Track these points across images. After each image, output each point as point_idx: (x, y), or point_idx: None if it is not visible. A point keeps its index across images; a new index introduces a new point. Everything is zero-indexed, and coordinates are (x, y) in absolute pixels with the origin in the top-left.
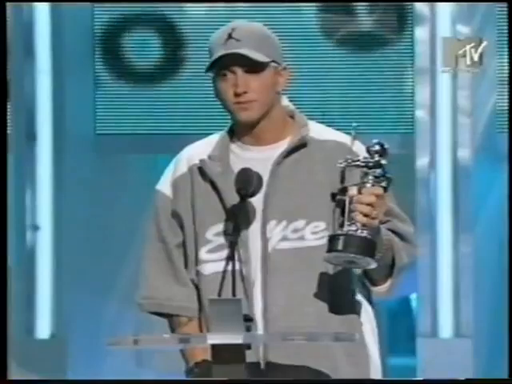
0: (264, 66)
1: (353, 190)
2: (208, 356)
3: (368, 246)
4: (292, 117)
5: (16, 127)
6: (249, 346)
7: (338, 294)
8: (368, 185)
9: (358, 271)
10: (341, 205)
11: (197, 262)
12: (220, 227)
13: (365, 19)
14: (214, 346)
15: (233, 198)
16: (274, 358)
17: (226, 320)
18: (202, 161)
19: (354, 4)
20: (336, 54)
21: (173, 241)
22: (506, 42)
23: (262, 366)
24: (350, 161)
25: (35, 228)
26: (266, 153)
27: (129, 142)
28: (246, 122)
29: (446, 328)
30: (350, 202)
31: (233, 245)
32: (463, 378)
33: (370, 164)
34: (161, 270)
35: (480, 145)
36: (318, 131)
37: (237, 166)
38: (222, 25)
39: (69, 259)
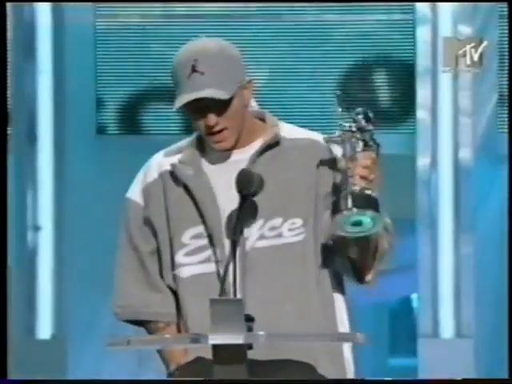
0: (230, 98)
1: (346, 160)
2: (188, 357)
3: (373, 203)
4: (262, 119)
5: (17, 127)
6: (250, 346)
7: (316, 290)
8: (359, 149)
9: (342, 266)
10: (290, 202)
11: (173, 266)
12: (195, 230)
13: (367, 19)
14: (214, 346)
15: (206, 200)
16: (252, 354)
17: (226, 320)
18: (173, 165)
19: (356, 4)
20: (338, 55)
21: (145, 248)
22: (507, 43)
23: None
24: (337, 130)
25: (36, 228)
26: (238, 155)
27: (130, 141)
28: (222, 151)
29: (447, 328)
30: (347, 170)
31: (210, 246)
32: (460, 378)
33: (359, 129)
34: (135, 277)
35: (481, 145)
36: (289, 131)
37: (210, 169)
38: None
39: (70, 260)
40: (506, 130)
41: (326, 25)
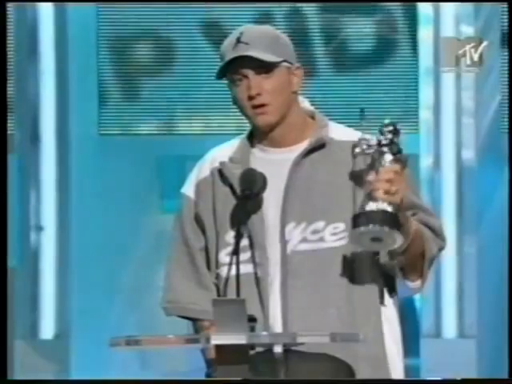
0: (275, 66)
1: (372, 173)
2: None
3: (391, 219)
4: (312, 117)
5: (20, 128)
6: (252, 347)
7: (358, 294)
8: (385, 162)
9: (388, 267)
10: (334, 205)
11: (217, 265)
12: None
13: (369, 19)
14: (217, 347)
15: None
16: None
17: (229, 320)
18: (222, 163)
19: (359, 4)
20: (340, 55)
21: (196, 244)
22: (507, 43)
23: (280, 354)
24: (364, 144)
25: (39, 228)
26: (285, 155)
27: (132, 142)
28: (264, 126)
29: (449, 328)
30: (370, 184)
31: (250, 248)
32: (460, 378)
33: (384, 143)
34: (184, 273)
35: (484, 145)
36: (338, 132)
37: (256, 168)
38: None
39: (73, 259)
40: (507, 131)
41: (327, 25)
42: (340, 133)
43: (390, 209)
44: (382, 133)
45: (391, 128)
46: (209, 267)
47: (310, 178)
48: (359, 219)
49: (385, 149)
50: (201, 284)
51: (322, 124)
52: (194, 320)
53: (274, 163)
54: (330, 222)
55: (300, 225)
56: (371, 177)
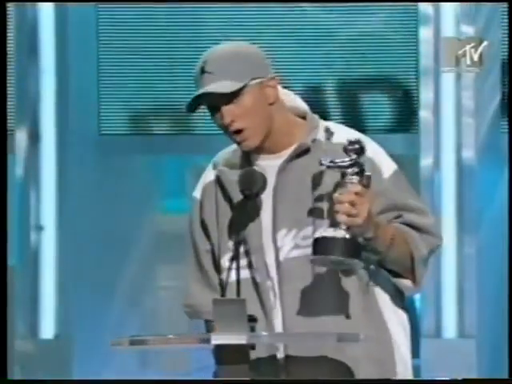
0: (241, 91)
1: (334, 193)
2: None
3: (351, 247)
4: (304, 118)
5: (20, 128)
6: (253, 347)
7: (355, 299)
8: (346, 184)
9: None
10: (322, 210)
11: (220, 269)
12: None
13: (369, 19)
14: (217, 347)
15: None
16: (293, 351)
17: (230, 320)
18: (221, 170)
19: (359, 4)
20: (340, 55)
21: (203, 247)
22: (507, 43)
23: (282, 359)
24: (326, 162)
25: (39, 228)
26: (275, 161)
27: (132, 142)
28: (249, 150)
29: (449, 328)
30: (331, 205)
31: (248, 253)
32: (460, 378)
33: (347, 163)
34: (196, 276)
35: (484, 145)
36: (327, 133)
37: None
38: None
39: (73, 259)
40: (507, 131)
41: (327, 25)
42: (330, 134)
43: (348, 235)
44: (346, 151)
45: (355, 147)
46: (216, 271)
47: (296, 184)
48: (317, 246)
49: (348, 169)
50: (210, 286)
51: (313, 125)
52: (207, 321)
53: (267, 168)
54: (319, 227)
55: (291, 231)
56: (334, 195)
